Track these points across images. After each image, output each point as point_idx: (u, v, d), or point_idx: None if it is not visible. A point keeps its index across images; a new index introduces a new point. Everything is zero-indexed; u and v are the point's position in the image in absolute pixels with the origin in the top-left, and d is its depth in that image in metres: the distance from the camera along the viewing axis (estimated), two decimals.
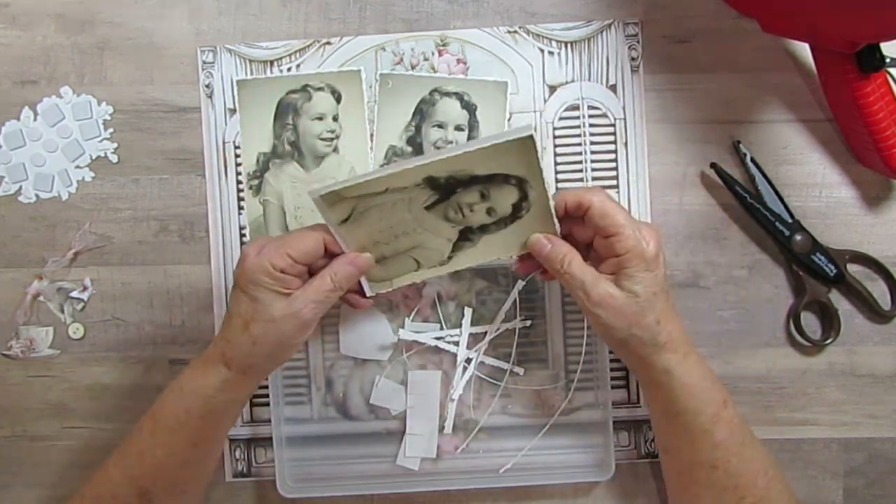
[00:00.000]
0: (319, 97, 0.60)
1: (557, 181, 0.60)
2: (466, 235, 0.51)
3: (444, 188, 0.49)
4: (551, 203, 0.50)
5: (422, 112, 0.60)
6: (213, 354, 0.51)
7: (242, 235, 0.60)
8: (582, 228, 0.51)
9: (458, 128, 0.60)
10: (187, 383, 0.51)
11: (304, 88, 0.60)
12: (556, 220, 0.50)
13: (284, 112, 0.60)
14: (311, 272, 0.51)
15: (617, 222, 0.48)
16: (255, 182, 0.60)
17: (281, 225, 0.60)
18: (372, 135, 0.60)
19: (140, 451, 0.51)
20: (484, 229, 0.51)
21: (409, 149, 0.60)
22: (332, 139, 0.60)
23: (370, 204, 0.49)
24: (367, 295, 0.54)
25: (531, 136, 0.46)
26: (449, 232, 0.51)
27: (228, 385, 0.51)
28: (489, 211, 0.50)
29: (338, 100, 0.60)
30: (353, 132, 0.60)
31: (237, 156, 0.60)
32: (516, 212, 0.50)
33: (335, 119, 0.60)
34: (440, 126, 0.60)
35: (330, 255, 0.51)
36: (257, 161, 0.60)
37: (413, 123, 0.60)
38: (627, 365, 0.54)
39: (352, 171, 0.60)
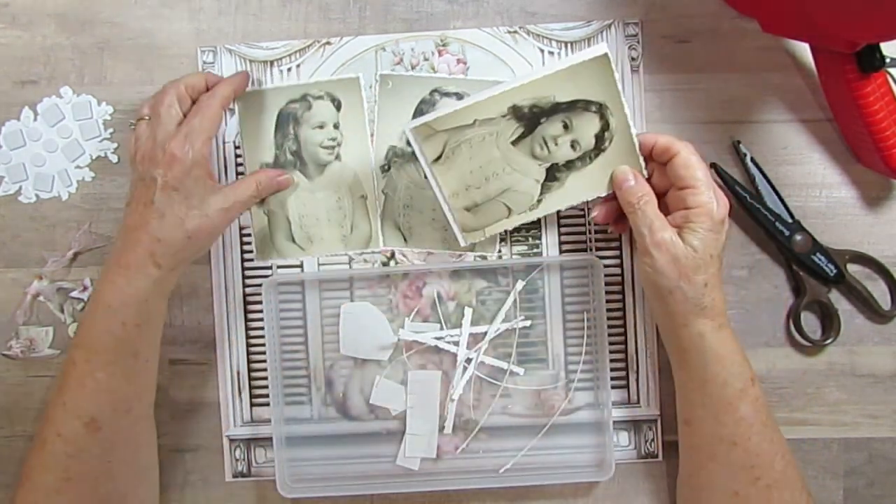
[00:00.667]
0: (319, 106, 0.60)
1: None
2: (553, 174, 0.54)
3: (529, 118, 0.52)
4: (633, 130, 0.52)
5: (422, 112, 0.59)
6: (139, 257, 0.50)
7: (243, 236, 0.60)
8: (662, 177, 0.53)
9: None
10: (114, 297, 0.50)
11: (304, 98, 0.60)
12: (641, 158, 0.53)
13: (285, 122, 0.60)
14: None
15: (696, 175, 0.51)
16: None
17: (287, 234, 0.60)
18: (372, 134, 0.60)
19: (79, 381, 0.50)
20: (570, 166, 0.53)
21: (411, 149, 0.60)
22: (333, 147, 0.60)
23: (460, 139, 0.52)
24: (462, 245, 0.56)
25: (606, 55, 0.50)
26: (536, 171, 0.53)
27: (160, 284, 0.51)
28: (573, 144, 0.53)
29: (338, 107, 0.60)
30: (355, 139, 0.60)
31: (237, 156, 0.60)
32: (599, 143, 0.53)
33: (336, 127, 0.60)
34: None
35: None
36: None
37: None
38: (662, 327, 0.55)
39: (355, 178, 0.60)
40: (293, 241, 0.60)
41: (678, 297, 0.50)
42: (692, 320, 0.51)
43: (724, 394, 0.51)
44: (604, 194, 0.55)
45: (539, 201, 0.55)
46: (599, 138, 0.53)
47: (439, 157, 0.53)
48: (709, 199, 0.50)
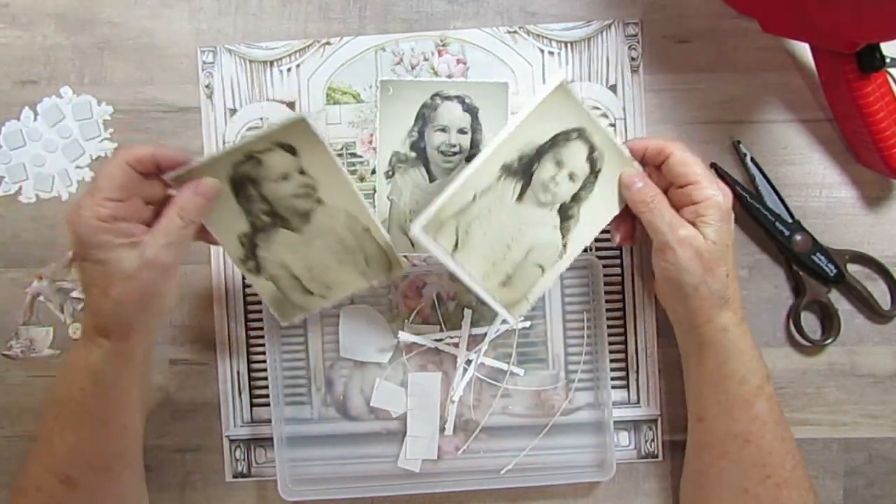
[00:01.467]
0: (271, 158, 0.50)
1: None
2: (566, 214, 0.53)
3: (522, 171, 0.51)
4: (616, 140, 0.52)
5: (424, 117, 0.59)
6: (87, 328, 0.48)
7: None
8: (659, 179, 0.53)
9: (462, 131, 0.60)
10: (73, 362, 0.49)
11: (250, 157, 0.50)
12: (636, 164, 0.53)
13: (241, 187, 0.51)
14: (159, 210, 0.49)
15: (696, 171, 0.51)
16: (252, 263, 0.53)
17: (301, 290, 0.54)
18: (372, 138, 0.60)
19: (50, 438, 0.49)
20: (577, 199, 0.53)
21: (413, 154, 0.60)
22: (308, 193, 0.52)
23: (469, 218, 0.50)
24: (513, 322, 0.55)
25: (562, 84, 0.50)
26: (550, 217, 0.53)
27: (114, 356, 0.48)
28: (571, 177, 0.52)
29: (293, 153, 0.50)
30: (329, 178, 0.51)
31: None
32: (593, 166, 0.53)
33: (302, 172, 0.51)
34: (443, 130, 0.60)
35: (157, 173, 0.48)
36: (241, 244, 0.52)
37: (416, 129, 0.60)
38: (680, 326, 0.54)
39: (348, 215, 0.53)
40: (310, 293, 0.54)
41: (703, 292, 0.50)
42: (716, 315, 0.51)
43: (741, 391, 0.51)
44: (618, 211, 0.54)
45: (565, 245, 0.53)
46: (591, 161, 0.53)
47: (456, 245, 0.51)
48: (714, 191, 0.50)
